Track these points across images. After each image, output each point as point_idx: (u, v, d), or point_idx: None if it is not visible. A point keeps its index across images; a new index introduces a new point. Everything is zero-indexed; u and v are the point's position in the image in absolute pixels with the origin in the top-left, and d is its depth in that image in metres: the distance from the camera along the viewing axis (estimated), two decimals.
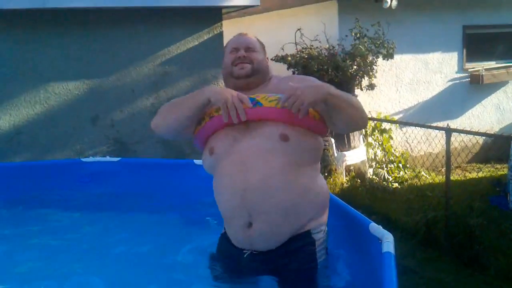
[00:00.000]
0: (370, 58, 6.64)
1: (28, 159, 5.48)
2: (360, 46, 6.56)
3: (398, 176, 6.89)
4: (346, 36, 6.85)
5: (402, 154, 7.08)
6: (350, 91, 6.70)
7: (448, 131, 4.95)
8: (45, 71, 5.64)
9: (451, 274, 4.46)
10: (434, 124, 5.55)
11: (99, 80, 5.85)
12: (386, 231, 2.49)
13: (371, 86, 6.70)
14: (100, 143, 5.87)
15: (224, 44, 2.88)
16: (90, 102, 5.82)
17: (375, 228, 2.56)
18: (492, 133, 6.11)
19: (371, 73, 6.68)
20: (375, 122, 7.01)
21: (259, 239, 2.35)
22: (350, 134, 6.67)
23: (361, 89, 6.74)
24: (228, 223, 2.47)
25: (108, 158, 4.46)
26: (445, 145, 5.00)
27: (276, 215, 2.31)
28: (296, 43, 7.03)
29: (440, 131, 5.26)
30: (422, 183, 6.62)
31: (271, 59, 6.71)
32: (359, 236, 2.66)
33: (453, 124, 5.75)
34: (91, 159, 4.44)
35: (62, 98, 5.71)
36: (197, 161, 4.18)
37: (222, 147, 2.39)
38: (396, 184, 6.71)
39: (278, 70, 6.83)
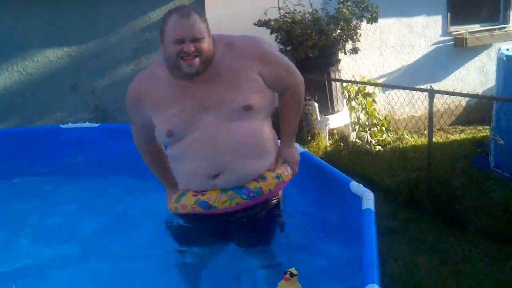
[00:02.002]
0: (354, 22, 6.58)
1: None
2: (344, 10, 6.48)
3: (381, 139, 6.89)
4: (330, 0, 6.77)
5: (385, 117, 7.07)
6: (334, 55, 6.67)
7: (432, 93, 4.95)
8: (23, 39, 5.54)
9: (433, 233, 4.51)
10: (418, 87, 5.52)
11: (78, 47, 5.75)
12: (366, 189, 2.50)
13: (354, 50, 6.65)
14: (81, 111, 5.81)
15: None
16: (69, 70, 5.74)
17: (356, 186, 2.57)
18: (473, 94, 6.10)
19: (354, 37, 6.62)
20: (358, 86, 6.98)
21: (224, 185, 2.55)
22: (334, 98, 6.65)
23: (345, 53, 6.69)
24: (188, 179, 2.62)
25: (87, 124, 4.43)
26: (428, 107, 5.01)
27: (244, 164, 2.53)
28: (279, 8, 6.94)
29: (424, 92, 5.25)
30: (405, 145, 6.64)
31: (254, 24, 6.65)
32: (340, 195, 2.67)
33: (437, 87, 5.74)
34: (70, 125, 4.40)
35: (40, 66, 5.62)
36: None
37: (182, 128, 2.51)
38: (379, 147, 6.71)
39: (261, 34, 6.76)
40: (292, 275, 2.12)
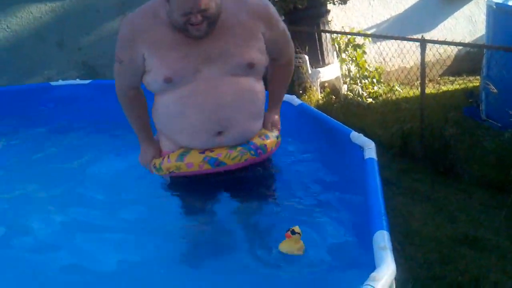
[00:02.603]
0: None
1: None
2: None
3: (372, 91, 6.86)
4: None
5: (376, 69, 7.03)
6: (323, 5, 6.56)
7: (423, 42, 4.91)
8: None
9: (426, 183, 4.55)
10: (409, 37, 5.48)
11: (62, 2, 5.61)
12: (367, 138, 2.48)
13: (343, 0, 6.56)
14: (68, 68, 5.70)
15: None
16: (54, 26, 5.62)
17: (356, 136, 2.55)
18: (466, 42, 6.07)
19: None
20: (348, 37, 6.91)
21: (229, 142, 2.54)
22: (324, 50, 6.57)
23: (334, 3, 6.59)
24: (192, 137, 2.54)
25: (78, 81, 4.34)
26: (418, 58, 4.98)
27: (245, 121, 2.54)
28: None
29: (415, 42, 5.21)
30: (396, 97, 6.63)
31: None
32: (341, 145, 2.65)
33: (426, 37, 5.68)
34: (60, 82, 4.32)
35: (24, 22, 5.48)
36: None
37: (182, 75, 2.42)
38: (370, 100, 6.70)
39: None
40: (293, 232, 2.11)
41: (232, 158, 2.48)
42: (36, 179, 3.27)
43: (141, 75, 2.50)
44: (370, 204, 1.94)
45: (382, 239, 1.68)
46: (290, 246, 2.13)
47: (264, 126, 2.68)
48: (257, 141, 2.55)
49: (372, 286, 1.42)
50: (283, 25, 2.61)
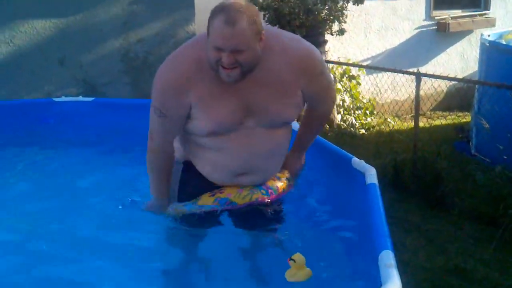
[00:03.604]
0: (341, 2, 6.62)
1: None
2: None
3: (365, 122, 7.00)
4: None
5: (369, 100, 7.17)
6: (321, 35, 6.69)
7: (418, 76, 5.03)
8: (11, 10, 5.44)
9: (418, 214, 4.63)
10: (405, 70, 5.61)
11: (66, 20, 5.67)
12: (368, 164, 2.56)
13: (341, 31, 6.69)
14: (69, 85, 5.75)
15: None
16: (57, 42, 5.66)
17: (357, 162, 2.63)
18: (460, 78, 6.22)
19: (341, 18, 6.66)
20: (343, 68, 7.05)
21: (247, 183, 2.60)
22: None
23: (331, 34, 6.74)
24: (214, 170, 2.57)
25: (81, 98, 4.40)
26: (411, 92, 5.10)
27: (271, 168, 2.63)
28: None
29: (410, 76, 5.34)
30: (389, 129, 6.75)
31: None
32: (342, 171, 2.72)
33: (420, 71, 5.86)
34: (63, 98, 4.37)
35: (28, 37, 5.54)
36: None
37: (226, 128, 2.42)
38: (363, 131, 6.82)
39: None
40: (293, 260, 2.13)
41: (242, 197, 2.53)
42: (32, 194, 3.30)
43: (183, 125, 2.46)
44: (375, 225, 2.01)
45: (388, 258, 1.76)
46: (294, 274, 2.15)
47: (289, 168, 2.75)
48: (269, 182, 2.62)
49: None
50: (327, 78, 2.57)
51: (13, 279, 2.42)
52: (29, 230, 2.85)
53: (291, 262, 2.13)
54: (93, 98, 4.32)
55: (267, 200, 2.58)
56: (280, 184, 2.64)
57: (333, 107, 2.83)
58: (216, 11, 2.22)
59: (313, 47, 2.47)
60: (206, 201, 2.55)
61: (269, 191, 2.58)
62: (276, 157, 2.60)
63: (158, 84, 2.40)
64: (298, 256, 2.13)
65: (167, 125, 2.44)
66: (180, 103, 2.35)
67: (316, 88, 2.50)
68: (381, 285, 1.61)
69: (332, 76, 6.95)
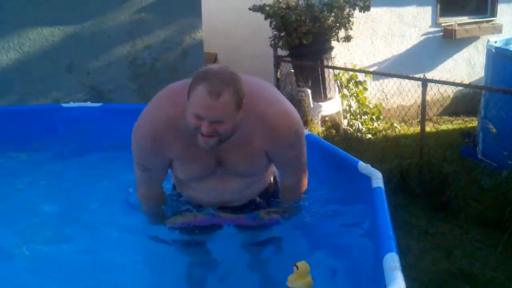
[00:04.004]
0: (347, 9, 6.66)
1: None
2: None
3: (371, 127, 7.02)
4: None
5: (376, 106, 7.19)
6: (327, 42, 6.73)
7: (425, 82, 5.06)
8: (19, 17, 5.50)
9: (424, 218, 4.64)
10: (411, 76, 5.64)
11: (74, 27, 5.73)
12: (374, 168, 2.58)
13: (347, 38, 6.73)
14: (76, 91, 5.79)
15: None
16: (65, 49, 5.71)
17: (364, 166, 2.65)
18: (466, 83, 6.24)
19: (347, 25, 6.70)
20: (350, 74, 7.08)
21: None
22: (327, 85, 6.73)
23: (338, 41, 6.77)
24: (198, 201, 2.75)
25: (89, 104, 4.43)
26: (418, 97, 5.12)
27: (247, 197, 2.75)
28: None
29: (417, 81, 5.37)
30: (395, 134, 6.77)
31: (249, 9, 6.68)
32: (348, 175, 2.74)
33: (426, 77, 5.88)
34: (71, 104, 4.41)
35: (36, 44, 5.59)
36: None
37: (197, 178, 2.58)
38: (369, 136, 6.84)
39: (256, 19, 6.81)
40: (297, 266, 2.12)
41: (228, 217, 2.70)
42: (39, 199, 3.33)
43: (166, 172, 2.62)
44: (380, 228, 2.04)
45: (393, 260, 1.78)
46: (294, 280, 2.12)
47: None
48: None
49: None
50: (297, 151, 2.53)
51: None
52: (39, 237, 2.86)
53: (294, 268, 2.11)
54: (100, 104, 4.34)
55: (248, 221, 2.68)
56: (266, 217, 2.71)
57: (304, 183, 2.69)
58: (200, 78, 2.18)
59: (291, 115, 2.46)
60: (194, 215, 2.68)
61: (255, 218, 2.69)
62: (252, 189, 2.71)
63: (135, 141, 2.46)
64: (302, 264, 2.10)
65: (150, 176, 2.57)
66: (158, 158, 2.46)
67: (281, 159, 2.55)
68: (385, 287, 1.62)
69: (338, 82, 6.98)
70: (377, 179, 2.46)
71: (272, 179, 2.83)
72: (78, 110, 4.32)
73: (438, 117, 7.82)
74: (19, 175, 3.73)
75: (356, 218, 2.57)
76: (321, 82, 6.70)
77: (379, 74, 6.69)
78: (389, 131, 6.91)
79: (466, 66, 8.71)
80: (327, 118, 6.87)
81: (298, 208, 2.72)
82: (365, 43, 7.82)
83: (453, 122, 7.45)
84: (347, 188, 2.77)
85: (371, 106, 7.17)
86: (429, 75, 7.86)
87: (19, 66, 5.55)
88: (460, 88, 7.45)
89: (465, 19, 8.57)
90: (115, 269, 2.57)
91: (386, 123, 7.13)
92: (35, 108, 4.66)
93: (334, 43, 6.84)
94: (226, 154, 2.43)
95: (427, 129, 6.41)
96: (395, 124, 7.06)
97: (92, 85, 5.86)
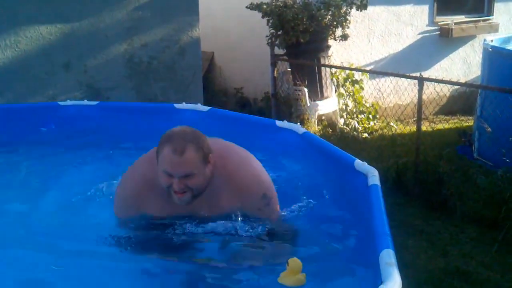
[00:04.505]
0: (344, 8, 6.67)
1: None
2: None
3: (368, 126, 7.03)
4: None
5: (372, 105, 7.21)
6: (324, 41, 6.75)
7: (421, 80, 5.08)
8: (16, 15, 5.49)
9: (419, 217, 4.67)
10: (407, 75, 5.65)
11: (71, 25, 5.72)
12: (370, 166, 2.60)
13: (344, 37, 6.75)
14: (73, 89, 5.79)
15: None
16: (62, 47, 5.71)
17: (360, 164, 2.66)
18: (462, 82, 6.26)
19: (344, 23, 6.71)
20: (347, 73, 7.09)
21: None
22: (323, 84, 6.74)
23: (335, 39, 6.79)
24: None
25: (85, 102, 4.44)
26: (414, 96, 5.13)
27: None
28: None
29: (412, 80, 5.38)
30: (391, 133, 6.78)
31: (246, 7, 6.69)
32: (345, 173, 2.76)
33: (423, 75, 5.91)
34: (68, 102, 4.41)
35: (33, 42, 5.58)
36: (177, 105, 4.22)
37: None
38: (365, 135, 6.86)
39: (253, 18, 6.82)
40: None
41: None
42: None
43: None
44: (376, 225, 2.05)
45: (389, 256, 1.79)
46: (284, 276, 2.12)
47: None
48: None
49: None
50: (268, 212, 2.58)
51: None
52: (31, 235, 2.79)
53: (286, 265, 2.12)
54: (97, 102, 4.35)
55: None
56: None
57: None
58: (164, 141, 2.38)
59: (260, 178, 2.57)
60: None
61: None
62: None
63: (116, 200, 2.67)
64: (292, 261, 2.10)
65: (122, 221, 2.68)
66: (133, 214, 2.61)
67: (251, 215, 2.57)
68: (381, 283, 1.64)
69: (335, 80, 6.99)
70: (373, 176, 2.47)
71: None
72: (75, 108, 4.32)
73: (434, 116, 7.84)
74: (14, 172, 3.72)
75: (352, 216, 2.58)
76: (318, 81, 6.71)
77: (376, 72, 6.71)
78: (386, 130, 6.93)
79: (463, 65, 8.73)
80: (323, 117, 6.88)
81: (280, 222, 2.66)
82: (362, 41, 7.83)
83: (449, 121, 7.46)
84: (344, 186, 2.78)
85: (367, 105, 7.19)
86: (426, 74, 7.85)
87: (16, 64, 5.53)
88: (456, 87, 7.49)
89: (461, 18, 8.60)
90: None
91: (383, 122, 7.15)
92: (33, 106, 4.65)
93: (331, 41, 6.85)
94: (197, 210, 2.55)
95: (423, 128, 6.43)
96: (392, 123, 7.08)
97: (89, 83, 5.86)
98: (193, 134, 2.39)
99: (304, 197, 2.89)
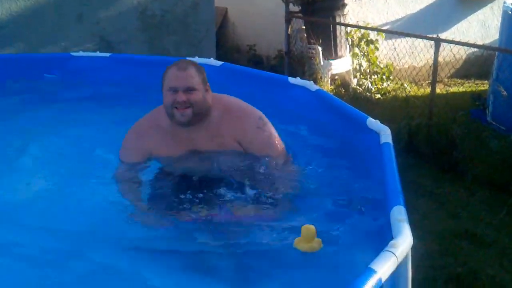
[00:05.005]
0: None
1: None
2: None
3: (381, 87, 6.96)
4: None
5: (387, 66, 7.12)
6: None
7: (438, 41, 4.99)
8: None
9: (430, 179, 4.64)
10: (424, 35, 5.55)
11: None
12: (383, 125, 2.57)
13: None
14: (86, 41, 5.74)
15: None
16: None
17: (373, 122, 2.64)
18: (479, 44, 6.15)
19: None
20: (362, 32, 6.98)
21: None
22: (338, 43, 6.65)
23: None
24: None
25: (98, 54, 4.41)
26: (429, 58, 5.06)
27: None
28: None
29: (429, 41, 5.29)
30: (405, 95, 6.71)
31: None
32: (357, 131, 2.74)
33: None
34: (81, 53, 4.39)
35: None
36: (189, 59, 4.17)
37: (173, 165, 2.83)
38: (378, 95, 6.79)
39: None
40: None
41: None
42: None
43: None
44: (388, 182, 2.04)
45: (399, 213, 1.78)
46: (298, 243, 2.07)
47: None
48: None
49: (391, 252, 1.52)
50: (268, 133, 2.74)
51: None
52: (32, 192, 2.78)
53: (302, 230, 2.06)
54: (109, 54, 4.32)
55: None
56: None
57: (288, 162, 2.80)
58: (169, 66, 2.68)
59: (251, 106, 2.81)
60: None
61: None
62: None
63: (123, 144, 2.86)
64: (306, 228, 2.06)
65: (127, 174, 2.83)
66: (140, 157, 2.82)
67: (256, 145, 2.74)
68: (392, 239, 1.63)
69: (349, 40, 6.89)
70: (386, 135, 2.45)
71: None
72: (88, 59, 4.30)
73: (449, 79, 7.73)
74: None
75: (363, 174, 2.57)
76: (332, 40, 6.63)
77: (392, 32, 6.59)
78: (399, 92, 6.85)
79: (480, 28, 8.56)
80: (336, 77, 6.81)
81: (288, 203, 2.64)
82: (379, 1, 7.68)
83: (464, 85, 7.37)
84: (357, 144, 2.76)
85: (381, 65, 7.10)
86: (442, 36, 7.76)
87: (28, 14, 5.48)
88: (473, 49, 7.33)
89: None
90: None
91: (396, 83, 7.06)
92: (46, 56, 4.63)
93: (347, 0, 6.73)
94: (201, 146, 2.75)
95: (438, 90, 6.36)
96: (405, 85, 7.00)
97: (102, 35, 5.81)
98: (194, 62, 2.72)
99: (315, 155, 2.88)
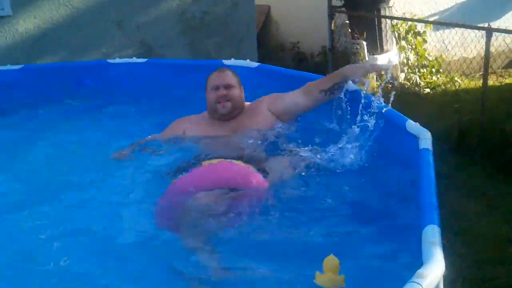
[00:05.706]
0: None
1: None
2: None
3: (430, 81, 6.70)
4: None
5: (436, 58, 6.84)
6: None
7: (489, 31, 4.73)
8: None
9: (482, 179, 4.40)
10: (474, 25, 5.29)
11: None
12: (423, 128, 2.42)
13: None
14: (126, 47, 5.75)
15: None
16: (115, 4, 5.66)
17: (412, 125, 2.48)
18: None
19: None
20: (409, 24, 6.73)
21: None
22: (383, 37, 6.44)
23: None
24: None
25: (134, 59, 4.40)
26: (481, 48, 4.82)
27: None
28: None
29: (480, 31, 5.04)
30: (455, 88, 6.43)
31: None
32: (395, 134, 2.58)
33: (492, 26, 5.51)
34: (117, 60, 4.38)
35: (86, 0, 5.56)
36: (226, 61, 4.11)
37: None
38: (428, 90, 6.54)
39: None
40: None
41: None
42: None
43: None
44: (422, 196, 1.86)
45: (433, 234, 1.61)
46: (318, 276, 1.77)
47: None
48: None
49: (418, 283, 1.36)
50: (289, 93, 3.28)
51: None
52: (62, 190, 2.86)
53: (324, 264, 1.77)
54: (146, 59, 4.30)
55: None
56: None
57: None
58: (210, 73, 3.28)
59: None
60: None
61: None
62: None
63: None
64: (328, 260, 1.77)
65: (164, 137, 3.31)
66: (179, 133, 3.26)
67: (286, 103, 3.26)
68: (422, 264, 1.46)
69: (396, 33, 6.67)
70: (425, 139, 2.28)
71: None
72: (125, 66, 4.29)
73: (503, 70, 7.36)
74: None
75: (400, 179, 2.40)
76: (377, 34, 6.42)
77: (440, 23, 6.33)
78: (449, 85, 6.58)
79: None
80: (383, 72, 6.58)
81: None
82: None
83: None
84: (394, 149, 2.60)
85: (430, 58, 6.83)
86: (494, 25, 7.42)
87: (69, 22, 5.52)
88: None
89: None
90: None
91: (446, 76, 6.78)
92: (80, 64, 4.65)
93: None
94: (240, 126, 3.17)
95: (491, 83, 6.05)
96: (456, 78, 6.71)
97: (142, 40, 5.80)
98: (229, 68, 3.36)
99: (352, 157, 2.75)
